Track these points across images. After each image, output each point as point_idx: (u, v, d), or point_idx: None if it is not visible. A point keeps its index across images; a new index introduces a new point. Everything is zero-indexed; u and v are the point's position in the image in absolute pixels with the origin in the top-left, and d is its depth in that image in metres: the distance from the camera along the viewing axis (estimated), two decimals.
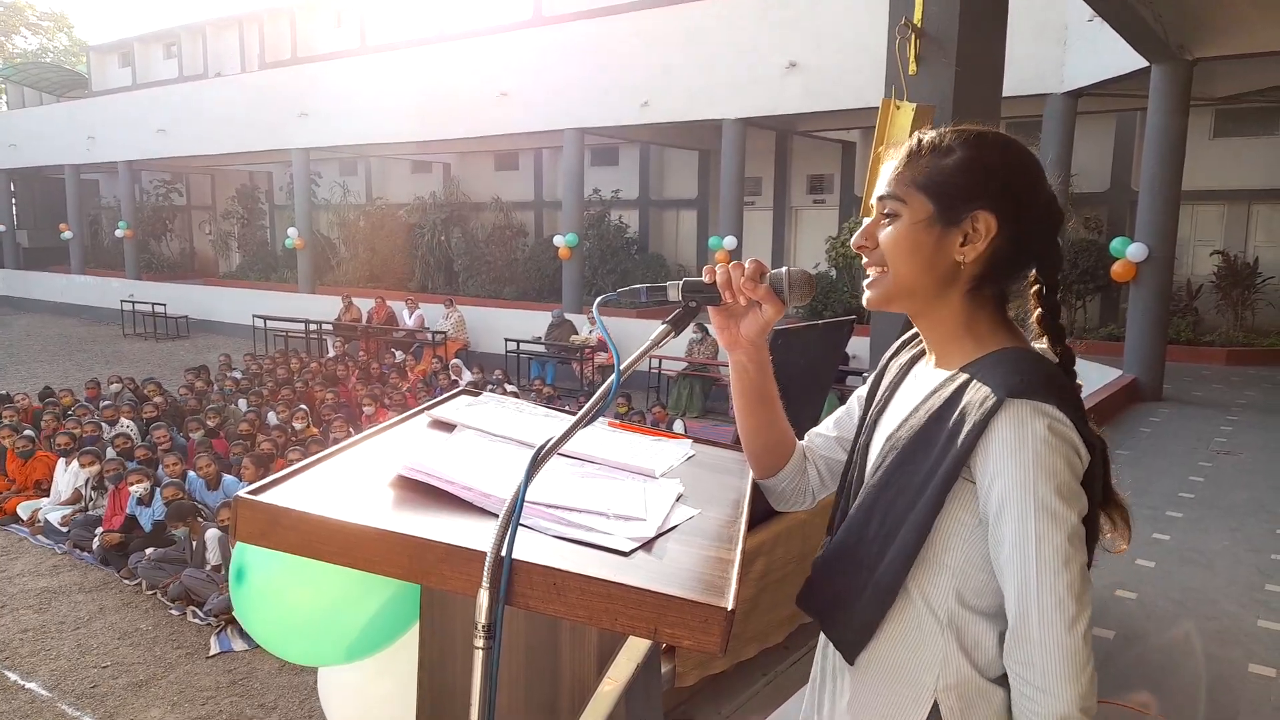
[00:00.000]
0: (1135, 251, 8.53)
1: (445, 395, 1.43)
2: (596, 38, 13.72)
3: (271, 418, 9.20)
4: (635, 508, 1.04)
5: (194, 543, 6.00)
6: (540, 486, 1.03)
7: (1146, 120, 8.66)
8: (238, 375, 11.88)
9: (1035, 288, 1.11)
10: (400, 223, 19.34)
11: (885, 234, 1.09)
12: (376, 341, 15.35)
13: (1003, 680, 1.04)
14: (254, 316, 16.42)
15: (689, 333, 12.72)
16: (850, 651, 1.12)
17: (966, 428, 0.99)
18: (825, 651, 1.22)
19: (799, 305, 1.14)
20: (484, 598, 0.84)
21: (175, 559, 6.03)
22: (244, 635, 5.24)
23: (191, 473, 6.96)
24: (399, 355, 14.44)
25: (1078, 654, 0.94)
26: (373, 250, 19.49)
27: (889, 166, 1.10)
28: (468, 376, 12.27)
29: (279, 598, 1.21)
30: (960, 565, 1.04)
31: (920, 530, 1.02)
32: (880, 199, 1.09)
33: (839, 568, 1.13)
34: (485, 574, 0.84)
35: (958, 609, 1.05)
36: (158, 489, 6.59)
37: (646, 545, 0.96)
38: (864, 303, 1.13)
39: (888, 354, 1.27)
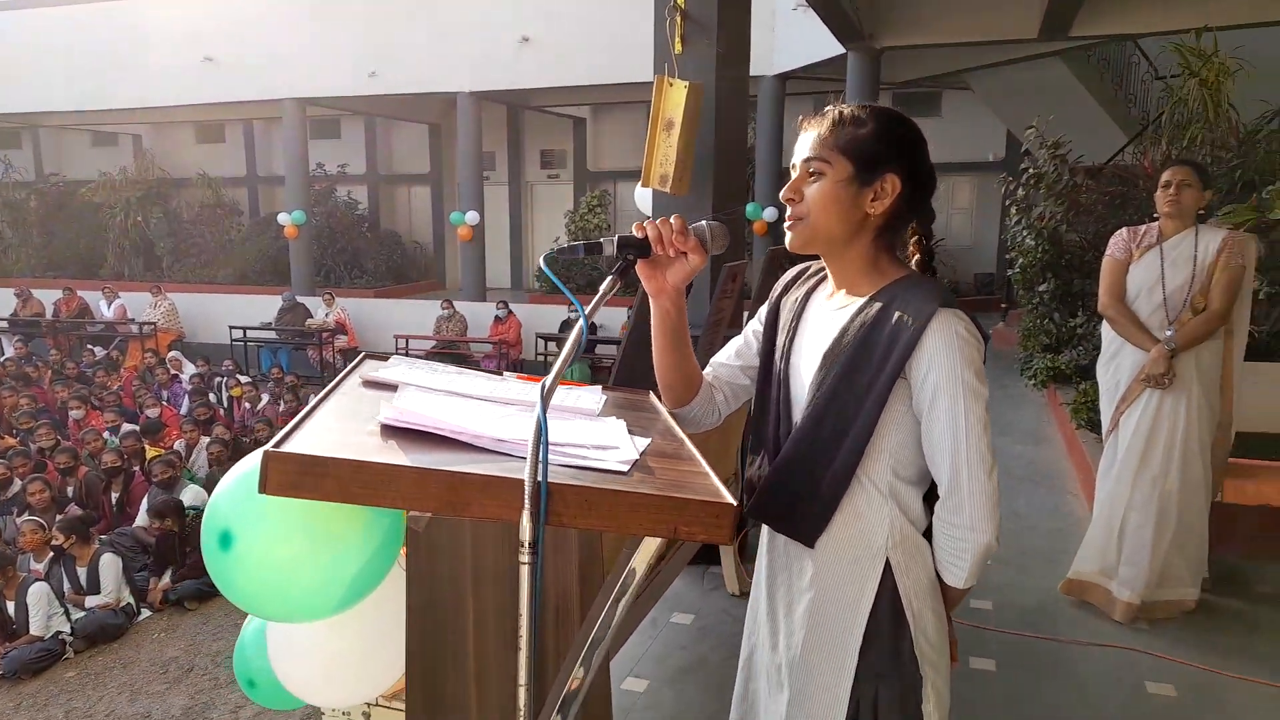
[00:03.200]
0: None
1: (352, 364, 1.43)
2: (315, 2, 12.90)
3: None
4: (605, 439, 1.16)
5: None
6: (518, 428, 1.12)
7: (845, 101, 9.76)
8: None
9: (915, 237, 1.41)
10: (84, 202, 17.00)
11: (811, 189, 1.31)
12: (68, 337, 13.52)
13: (928, 533, 1.33)
14: None
15: (437, 309, 12.50)
16: (811, 537, 1.35)
17: (906, 335, 1.23)
18: (773, 546, 1.45)
19: (719, 252, 1.31)
20: (526, 519, 0.93)
21: None
22: None
23: None
24: (99, 351, 12.84)
25: (993, 495, 1.24)
26: (50, 234, 17.06)
27: (810, 135, 1.32)
28: (190, 369, 11.20)
29: (270, 556, 1.18)
30: (894, 447, 1.30)
31: (870, 423, 1.28)
32: (806, 160, 1.31)
33: (794, 471, 1.35)
34: (526, 499, 0.93)
35: (894, 480, 1.32)
36: None
37: (634, 466, 1.08)
38: (787, 245, 1.34)
39: (777, 290, 1.50)
